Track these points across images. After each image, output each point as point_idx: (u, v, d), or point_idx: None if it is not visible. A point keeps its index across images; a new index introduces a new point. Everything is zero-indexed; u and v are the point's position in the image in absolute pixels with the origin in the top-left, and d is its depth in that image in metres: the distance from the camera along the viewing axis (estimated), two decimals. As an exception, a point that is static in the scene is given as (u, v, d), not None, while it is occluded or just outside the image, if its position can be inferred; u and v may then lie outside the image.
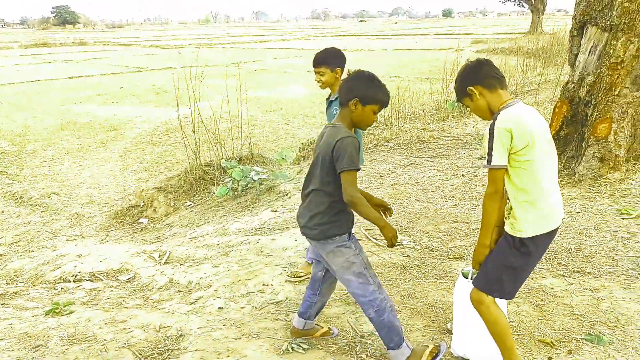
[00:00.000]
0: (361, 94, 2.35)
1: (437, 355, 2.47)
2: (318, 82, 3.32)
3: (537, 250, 2.21)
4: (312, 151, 8.19)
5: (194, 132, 7.06)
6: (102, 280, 4.00)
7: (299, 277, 3.47)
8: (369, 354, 2.66)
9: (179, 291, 3.62)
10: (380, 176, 5.75)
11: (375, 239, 4.10)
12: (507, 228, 2.20)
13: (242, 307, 3.22)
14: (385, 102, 2.42)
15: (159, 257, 4.43)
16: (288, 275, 3.52)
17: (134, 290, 3.75)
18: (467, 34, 39.06)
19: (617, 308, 2.90)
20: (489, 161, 2.09)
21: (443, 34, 43.41)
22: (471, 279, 2.41)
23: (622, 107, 4.86)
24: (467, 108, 2.36)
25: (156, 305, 3.44)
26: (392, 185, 5.39)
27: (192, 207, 6.51)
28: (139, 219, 6.53)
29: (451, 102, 9.40)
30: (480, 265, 2.28)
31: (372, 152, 6.95)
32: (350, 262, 2.40)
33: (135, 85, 16.48)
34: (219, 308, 3.24)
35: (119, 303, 3.50)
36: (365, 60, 21.61)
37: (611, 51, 4.81)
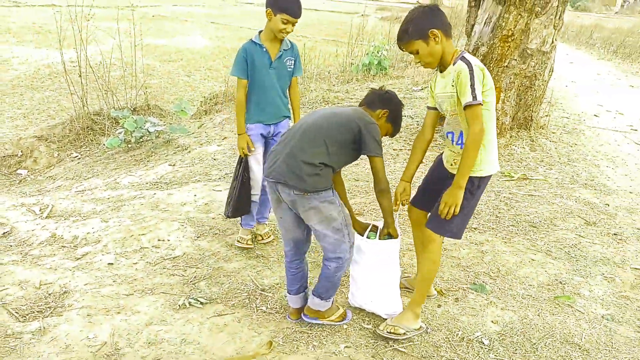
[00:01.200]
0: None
1: (344, 319, 2.53)
2: (286, 33, 2.89)
3: (482, 192, 2.34)
4: (216, 105, 7.87)
5: (80, 77, 6.41)
6: (-31, 235, 3.55)
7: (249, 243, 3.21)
8: (269, 307, 2.65)
9: (63, 247, 3.32)
10: (284, 133, 5.68)
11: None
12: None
13: (135, 263, 3.03)
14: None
15: (39, 210, 4.02)
16: (239, 241, 3.21)
17: (10, 246, 3.37)
18: (374, 0, 39.52)
19: (498, 260, 3.17)
20: (475, 97, 2.10)
21: (349, -2, 43.46)
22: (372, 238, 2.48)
23: (510, 78, 5.21)
24: (410, 53, 2.24)
25: (36, 262, 3.12)
26: (295, 142, 5.35)
27: (79, 158, 5.98)
28: (16, 170, 5.86)
29: (355, 65, 9.51)
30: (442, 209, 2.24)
31: (276, 109, 6.83)
32: (332, 218, 2.28)
33: (11, 22, 14.54)
34: (109, 264, 3.02)
35: (-9, 260, 3.13)
36: (271, 17, 20.98)
37: (503, 24, 5.09)
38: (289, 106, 3.20)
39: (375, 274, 2.48)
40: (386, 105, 2.46)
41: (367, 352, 2.35)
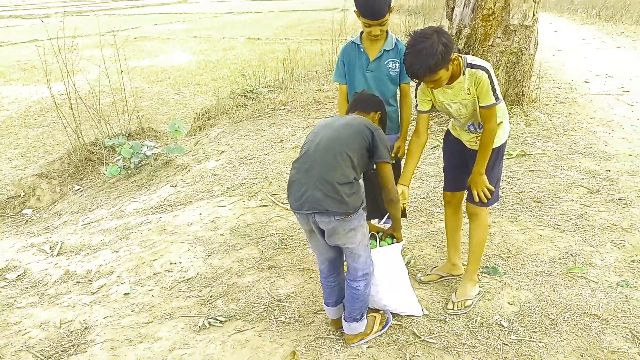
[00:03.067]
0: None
1: (387, 322, 2.52)
2: (375, 36, 2.60)
3: (503, 155, 2.58)
4: (209, 119, 7.90)
5: (72, 109, 6.44)
6: (-16, 282, 3.58)
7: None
8: (287, 317, 2.68)
9: (78, 282, 3.35)
10: (281, 140, 5.71)
11: (282, 203, 4.08)
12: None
13: (150, 290, 3.06)
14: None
15: (50, 249, 4.05)
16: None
17: (26, 288, 3.41)
18: (351, -7, 39.43)
19: (507, 240, 3.19)
20: (497, 97, 2.28)
21: (327, -7, 43.45)
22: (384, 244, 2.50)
23: (496, 56, 5.22)
24: (429, 84, 2.22)
25: (53, 301, 3.15)
26: (292, 148, 5.37)
27: (81, 191, 6.01)
28: (21, 211, 5.89)
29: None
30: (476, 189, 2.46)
31: (270, 116, 6.85)
32: (365, 235, 2.26)
33: (-5, 62, 14.59)
34: (125, 294, 3.05)
35: (10, 304, 3.16)
36: (252, 23, 21.04)
37: (483, 3, 5.10)
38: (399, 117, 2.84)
39: (387, 279, 2.49)
40: (377, 107, 2.49)
41: (391, 349, 2.38)
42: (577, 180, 3.94)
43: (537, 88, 5.88)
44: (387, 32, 2.66)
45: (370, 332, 2.45)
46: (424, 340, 2.41)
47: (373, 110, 2.48)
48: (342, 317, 2.41)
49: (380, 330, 2.49)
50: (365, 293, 2.33)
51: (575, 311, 2.51)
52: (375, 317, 2.51)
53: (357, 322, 2.37)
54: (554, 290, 2.68)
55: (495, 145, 2.44)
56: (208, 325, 2.64)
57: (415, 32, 2.21)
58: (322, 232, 2.22)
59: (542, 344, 2.33)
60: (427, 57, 2.11)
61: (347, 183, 2.11)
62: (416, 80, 2.27)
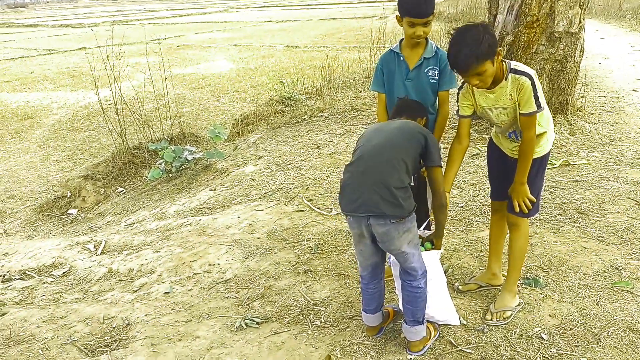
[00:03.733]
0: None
1: (437, 329, 2.50)
2: (418, 37, 2.55)
3: (545, 167, 2.53)
4: (247, 125, 8.05)
5: (117, 114, 6.69)
6: (34, 277, 3.75)
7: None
8: (323, 321, 2.69)
9: (120, 280, 3.47)
10: (318, 146, 5.75)
11: (318, 208, 4.11)
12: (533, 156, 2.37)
13: (190, 290, 3.14)
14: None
15: (94, 247, 4.21)
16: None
17: (71, 285, 3.55)
18: (390, 1, 39.46)
19: (549, 252, 3.11)
20: (539, 105, 2.22)
21: (366, 1, 43.54)
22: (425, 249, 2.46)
23: (540, 64, 5.11)
24: (473, 76, 2.16)
25: (97, 297, 3.27)
26: (330, 154, 5.40)
27: (125, 193, 6.22)
28: (67, 211, 6.15)
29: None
30: (517, 199, 2.41)
31: (307, 123, 6.92)
32: (416, 234, 2.28)
33: (47, 69, 15.31)
34: (165, 293, 3.13)
35: (56, 299, 3.30)
36: (291, 31, 21.31)
37: (527, 10, 5.01)
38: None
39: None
40: (423, 112, 2.51)
41: (427, 358, 2.35)
42: (623, 192, 3.80)
43: (582, 97, 5.71)
44: (426, 39, 2.65)
45: (430, 337, 2.43)
46: (461, 350, 2.37)
47: (419, 116, 2.48)
48: (403, 323, 2.38)
49: (436, 336, 2.46)
50: (426, 291, 2.32)
51: (620, 326, 2.42)
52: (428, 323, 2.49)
53: (420, 324, 2.34)
54: (597, 304, 2.60)
55: (538, 155, 2.40)
56: (245, 326, 2.68)
57: (458, 28, 2.23)
58: (372, 236, 2.24)
59: (584, 358, 2.25)
60: (474, 44, 2.10)
61: (403, 187, 2.14)
62: (461, 72, 2.20)
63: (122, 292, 3.26)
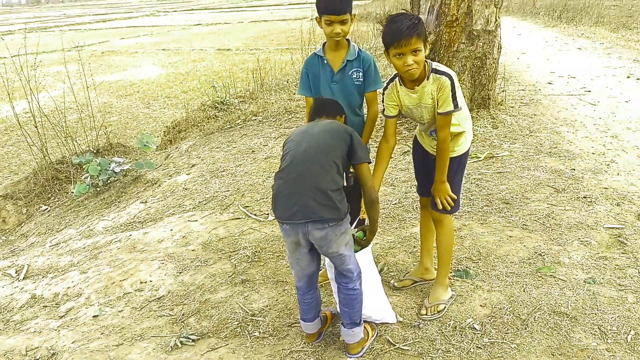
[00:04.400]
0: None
1: (375, 329, 2.52)
2: (336, 35, 2.55)
3: (465, 164, 2.57)
4: (179, 132, 7.82)
5: (36, 127, 6.29)
6: (-55, 311, 3.44)
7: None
8: (262, 331, 2.64)
9: (45, 306, 3.24)
10: (253, 151, 5.67)
11: (255, 215, 4.05)
12: (452, 155, 2.44)
13: (120, 311, 2.99)
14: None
15: (16, 272, 3.92)
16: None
17: (-11, 316, 3.29)
18: (320, 2, 39.69)
19: (477, 243, 3.23)
20: (456, 105, 2.28)
21: (296, 3, 43.67)
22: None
23: (461, 62, 5.32)
24: (407, 53, 2.16)
25: (19, 327, 3.05)
26: (265, 159, 5.35)
27: (49, 211, 5.86)
28: (-16, 234, 5.70)
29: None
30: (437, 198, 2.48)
31: (241, 127, 6.82)
32: (352, 238, 2.28)
33: (-44, 82, 14.17)
34: (94, 316, 2.96)
35: (-29, 334, 3.04)
36: (221, 34, 20.95)
37: (446, 10, 5.20)
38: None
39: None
40: (341, 110, 2.50)
41: (367, 357, 2.37)
42: (543, 180, 4.02)
43: (503, 91, 6.00)
44: (349, 42, 2.67)
45: (368, 338, 2.45)
46: (398, 347, 2.41)
47: (338, 114, 2.48)
48: (341, 327, 2.38)
49: (374, 336, 2.48)
50: (362, 293, 2.33)
51: (545, 310, 2.55)
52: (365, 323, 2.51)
53: (358, 325, 2.34)
54: (524, 291, 2.72)
55: (457, 154, 2.48)
56: (180, 345, 2.58)
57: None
58: (309, 244, 2.21)
59: (514, 345, 2.35)
60: (415, 20, 2.18)
61: (337, 189, 2.14)
62: (403, 44, 2.16)
63: (47, 319, 3.06)
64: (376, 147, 2.63)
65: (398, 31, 2.17)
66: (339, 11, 2.49)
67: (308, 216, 2.10)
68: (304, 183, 2.12)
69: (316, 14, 2.63)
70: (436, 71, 2.31)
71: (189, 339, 2.61)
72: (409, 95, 2.40)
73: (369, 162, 2.32)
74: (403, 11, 2.31)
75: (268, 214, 4.03)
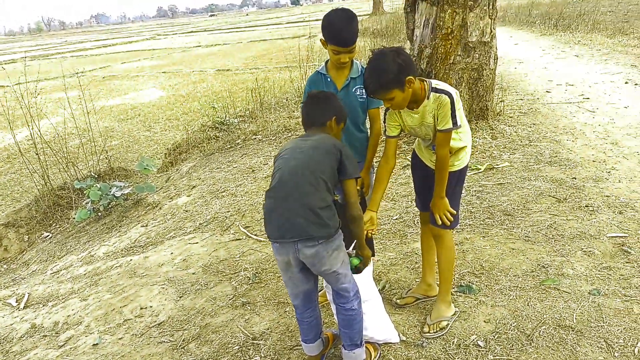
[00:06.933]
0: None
1: (378, 350, 2.47)
2: (343, 63, 2.58)
3: (464, 179, 2.58)
4: (180, 154, 7.84)
5: (37, 154, 6.32)
6: (-55, 344, 3.41)
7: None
8: (262, 355, 2.60)
9: (45, 336, 3.22)
10: (253, 170, 5.67)
11: (255, 235, 4.02)
12: (451, 169, 2.42)
13: (120, 338, 2.95)
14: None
15: (16, 302, 3.90)
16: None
17: (-11, 347, 3.26)
18: (317, 20, 40.16)
19: (480, 257, 3.18)
20: (455, 123, 2.28)
21: (294, 22, 44.15)
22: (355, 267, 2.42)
23: (458, 74, 5.33)
24: (386, 103, 2.25)
25: (19, 358, 3.02)
26: (265, 178, 5.34)
27: (51, 237, 5.85)
28: (-13, 263, 5.69)
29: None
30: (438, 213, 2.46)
31: (241, 147, 6.83)
32: (346, 256, 2.25)
33: (-41, 111, 14.31)
34: (94, 345, 2.93)
35: (-29, 366, 3.01)
36: (221, 55, 21.15)
37: (441, 23, 5.22)
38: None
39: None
40: (330, 111, 2.38)
41: (368, 380, 2.32)
42: (545, 190, 3.99)
43: (501, 101, 6.00)
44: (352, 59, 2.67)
45: (370, 359, 2.40)
46: (402, 367, 2.36)
47: (328, 119, 2.37)
48: (342, 349, 2.33)
49: (376, 357, 2.43)
50: (361, 312, 2.28)
51: (550, 324, 2.50)
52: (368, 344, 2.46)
53: (359, 347, 2.30)
54: (528, 305, 2.67)
55: (457, 168, 2.46)
56: (180, 371, 2.55)
57: (374, 51, 2.25)
58: (300, 264, 2.17)
59: (520, 361, 2.30)
60: (380, 74, 2.16)
61: (327, 206, 2.09)
62: (372, 97, 2.31)
63: (47, 349, 3.02)
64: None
65: (366, 86, 2.27)
66: (348, 44, 2.49)
67: (298, 234, 2.07)
68: (293, 202, 2.09)
69: (314, 31, 2.61)
70: (436, 90, 2.30)
71: (189, 365, 2.57)
72: (411, 116, 2.39)
73: (358, 177, 2.29)
74: (383, 51, 2.22)
75: (268, 234, 4.00)
